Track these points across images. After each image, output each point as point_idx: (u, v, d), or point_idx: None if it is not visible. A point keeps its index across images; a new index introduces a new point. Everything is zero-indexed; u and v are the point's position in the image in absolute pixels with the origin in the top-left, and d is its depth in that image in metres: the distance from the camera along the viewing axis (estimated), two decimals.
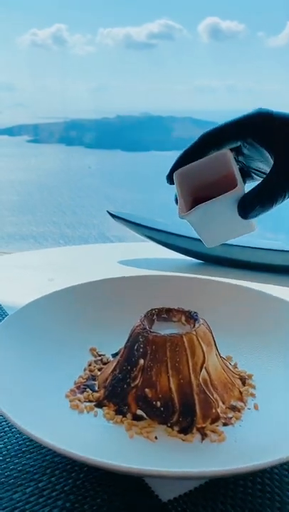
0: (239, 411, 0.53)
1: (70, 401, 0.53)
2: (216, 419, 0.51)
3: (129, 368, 0.54)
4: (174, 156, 0.55)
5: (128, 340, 0.56)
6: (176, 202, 0.53)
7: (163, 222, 1.05)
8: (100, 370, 0.59)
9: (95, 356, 0.62)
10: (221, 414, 0.51)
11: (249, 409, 0.53)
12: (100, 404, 0.53)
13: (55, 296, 0.68)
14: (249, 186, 0.55)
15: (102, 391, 0.55)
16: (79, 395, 0.54)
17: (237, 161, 0.54)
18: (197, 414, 0.50)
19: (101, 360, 0.62)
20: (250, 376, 0.58)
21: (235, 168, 0.50)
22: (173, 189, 0.53)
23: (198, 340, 0.53)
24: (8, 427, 0.53)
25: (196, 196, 0.53)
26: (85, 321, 0.66)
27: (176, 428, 0.50)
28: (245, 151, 0.53)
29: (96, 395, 0.55)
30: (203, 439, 0.49)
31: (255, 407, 0.53)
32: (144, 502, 0.43)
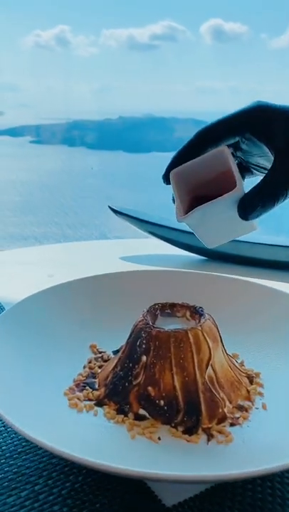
0: (247, 411, 0.50)
1: (69, 399, 0.51)
2: (222, 419, 0.48)
3: (131, 365, 0.51)
4: None
5: (130, 336, 0.54)
6: (174, 201, 0.50)
7: (166, 218, 1.02)
8: (100, 367, 0.57)
9: (95, 353, 0.60)
10: (227, 414, 0.49)
11: (257, 408, 0.51)
12: (100, 403, 0.51)
13: (54, 291, 0.65)
14: (249, 181, 0.52)
15: (102, 389, 0.52)
16: (78, 393, 0.52)
17: (235, 157, 0.51)
18: (203, 414, 0.48)
19: (101, 357, 0.59)
20: (257, 374, 0.56)
21: (234, 167, 0.47)
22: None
23: (203, 335, 0.50)
24: (4, 426, 0.50)
25: (194, 195, 0.51)
26: (85, 316, 0.64)
27: (180, 428, 0.47)
28: (244, 146, 0.50)
29: (96, 393, 0.52)
30: (209, 440, 0.46)
31: (264, 406, 0.51)
32: (147, 507, 0.41)
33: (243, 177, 0.53)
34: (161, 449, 0.45)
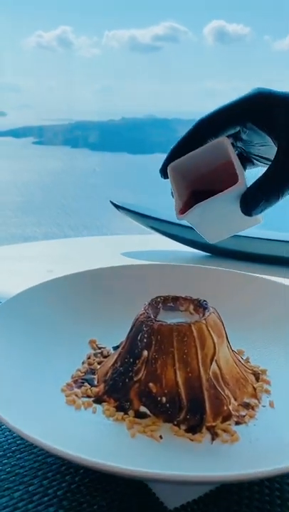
0: (253, 409, 0.48)
1: (66, 396, 0.48)
2: (227, 417, 0.46)
3: (131, 360, 0.49)
4: None
5: (131, 330, 0.51)
6: (173, 195, 0.48)
7: (168, 213, 1.00)
8: (99, 363, 0.54)
9: (95, 349, 0.57)
10: (233, 412, 0.46)
11: (264, 406, 0.48)
12: (99, 400, 0.48)
13: (52, 284, 0.63)
14: (250, 172, 0.49)
15: (101, 386, 0.50)
16: (76, 390, 0.49)
17: (235, 147, 0.49)
18: (207, 412, 0.45)
19: (101, 353, 0.57)
20: (264, 371, 0.53)
21: (235, 159, 0.44)
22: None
23: (208, 330, 0.48)
24: None
25: (194, 189, 0.48)
26: (84, 311, 0.61)
27: (183, 427, 0.45)
28: (244, 136, 0.47)
29: (95, 389, 0.50)
30: (213, 439, 0.43)
31: (271, 404, 0.48)
32: (147, 510, 0.38)
33: (244, 168, 0.50)
34: (163, 448, 0.42)
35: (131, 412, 0.46)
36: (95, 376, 0.52)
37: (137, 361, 0.48)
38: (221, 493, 0.40)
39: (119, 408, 0.47)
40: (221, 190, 0.45)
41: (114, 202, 1.06)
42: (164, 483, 0.40)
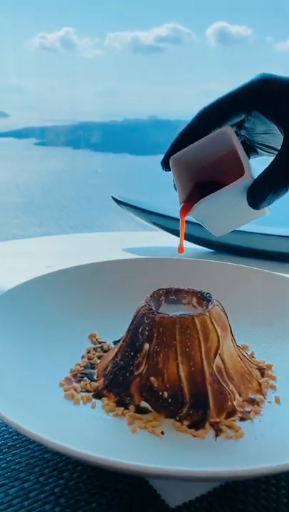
0: (258, 404, 0.46)
1: (65, 390, 0.47)
2: (232, 413, 0.44)
3: (132, 353, 0.47)
4: None
5: (132, 322, 0.50)
6: (175, 188, 0.46)
7: (171, 209, 0.98)
8: (99, 358, 0.53)
9: (95, 343, 0.56)
10: (237, 408, 0.45)
11: (270, 402, 0.47)
12: (98, 395, 0.47)
13: (52, 278, 0.61)
14: (254, 161, 0.48)
15: (101, 380, 0.48)
16: (75, 384, 0.48)
17: (238, 136, 0.47)
18: (210, 407, 0.44)
19: (101, 347, 0.55)
20: (269, 367, 0.52)
21: (240, 149, 0.43)
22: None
23: (212, 322, 0.46)
24: None
25: (197, 181, 0.47)
26: (84, 305, 0.60)
27: (185, 422, 0.43)
28: (248, 124, 0.46)
29: (94, 384, 0.48)
30: (217, 435, 0.42)
31: (277, 400, 0.47)
32: (148, 507, 0.36)
33: (248, 157, 0.49)
34: (165, 444, 0.41)
35: (131, 407, 0.45)
36: (95, 371, 0.51)
37: (138, 355, 0.47)
38: (226, 491, 0.38)
39: (120, 403, 0.45)
40: (226, 182, 0.43)
41: (116, 197, 1.04)
42: (165, 480, 0.38)
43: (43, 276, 0.60)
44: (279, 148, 0.43)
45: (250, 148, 0.49)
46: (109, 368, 0.49)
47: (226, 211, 0.46)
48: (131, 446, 0.40)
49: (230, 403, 0.45)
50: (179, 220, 0.48)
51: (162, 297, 0.52)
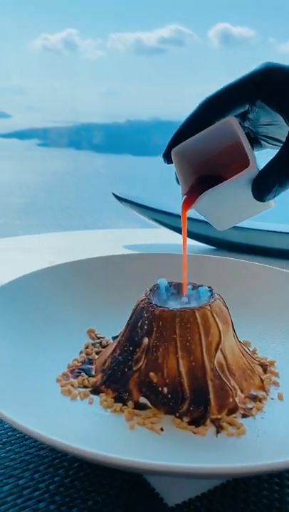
0: (261, 401, 0.45)
1: (62, 386, 0.45)
2: (233, 409, 0.43)
3: (131, 348, 0.46)
4: None
5: (131, 316, 0.48)
6: (178, 181, 0.45)
7: (173, 206, 0.97)
8: (97, 353, 0.52)
9: (93, 339, 0.55)
10: (239, 404, 0.43)
11: (272, 399, 0.45)
12: (96, 391, 0.46)
13: (50, 272, 0.60)
14: (258, 154, 0.46)
15: (99, 375, 0.47)
16: (72, 380, 0.47)
17: (242, 127, 0.45)
18: (211, 403, 0.42)
19: (100, 342, 0.54)
20: (272, 363, 0.50)
21: (244, 140, 0.41)
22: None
23: (213, 316, 0.45)
24: None
25: (200, 175, 0.45)
26: (83, 300, 0.59)
27: (186, 419, 0.42)
28: (252, 115, 0.44)
29: (92, 380, 0.47)
30: (218, 432, 0.41)
31: (280, 396, 0.45)
32: (146, 506, 0.35)
33: (252, 150, 0.47)
34: (164, 440, 0.39)
35: (130, 403, 0.43)
36: (93, 366, 0.49)
37: (137, 349, 0.45)
38: (226, 489, 0.37)
39: (118, 399, 0.44)
40: (230, 175, 0.42)
41: (117, 194, 1.03)
42: (164, 477, 0.37)
43: (40, 270, 0.59)
44: (284, 140, 0.42)
45: (254, 141, 0.48)
46: (107, 363, 0.48)
47: (230, 204, 0.45)
48: (129, 442, 0.39)
49: (231, 399, 0.43)
50: (180, 217, 0.47)
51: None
